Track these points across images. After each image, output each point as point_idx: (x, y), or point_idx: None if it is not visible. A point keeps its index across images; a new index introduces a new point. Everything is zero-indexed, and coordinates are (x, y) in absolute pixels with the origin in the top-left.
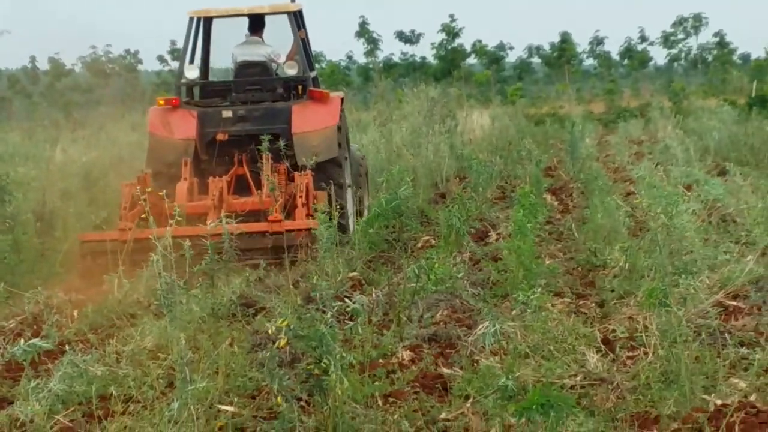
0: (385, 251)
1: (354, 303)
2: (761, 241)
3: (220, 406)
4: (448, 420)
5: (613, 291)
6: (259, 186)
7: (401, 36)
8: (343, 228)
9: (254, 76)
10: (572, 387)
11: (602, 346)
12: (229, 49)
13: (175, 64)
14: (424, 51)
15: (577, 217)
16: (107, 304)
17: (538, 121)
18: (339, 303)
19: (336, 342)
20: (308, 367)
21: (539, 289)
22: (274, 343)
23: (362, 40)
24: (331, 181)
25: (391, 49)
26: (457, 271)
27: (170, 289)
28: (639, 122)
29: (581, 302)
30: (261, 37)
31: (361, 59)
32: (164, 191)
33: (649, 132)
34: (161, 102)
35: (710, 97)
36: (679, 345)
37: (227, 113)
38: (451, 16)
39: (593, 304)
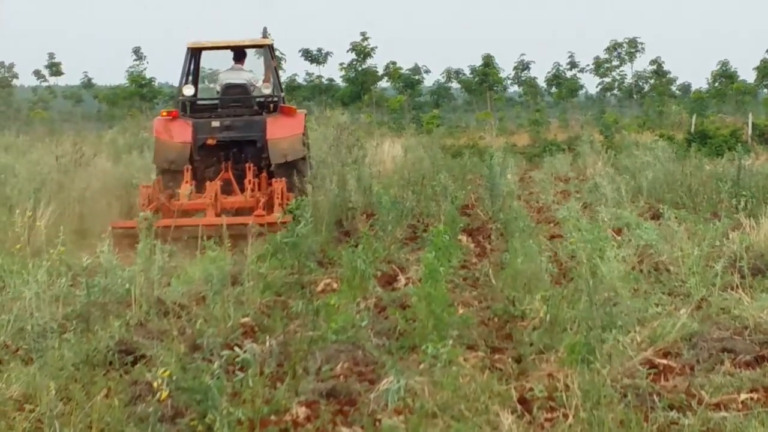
0: (282, 294)
1: (244, 352)
2: (696, 293)
3: None
4: None
5: (531, 345)
6: (241, 186)
7: (307, 54)
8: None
9: (237, 95)
10: None
11: (518, 406)
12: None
13: (53, 79)
14: (332, 72)
15: (495, 261)
16: None
17: (456, 153)
18: (228, 352)
19: (223, 395)
20: (192, 423)
21: (451, 341)
22: (154, 395)
23: (262, 58)
24: (296, 171)
25: (295, 68)
26: (361, 319)
27: (41, 332)
28: (567, 157)
29: (497, 356)
30: (243, 64)
31: None
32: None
33: (578, 168)
34: (164, 114)
35: (646, 130)
36: (603, 407)
37: (216, 123)
38: (363, 34)
39: (510, 359)
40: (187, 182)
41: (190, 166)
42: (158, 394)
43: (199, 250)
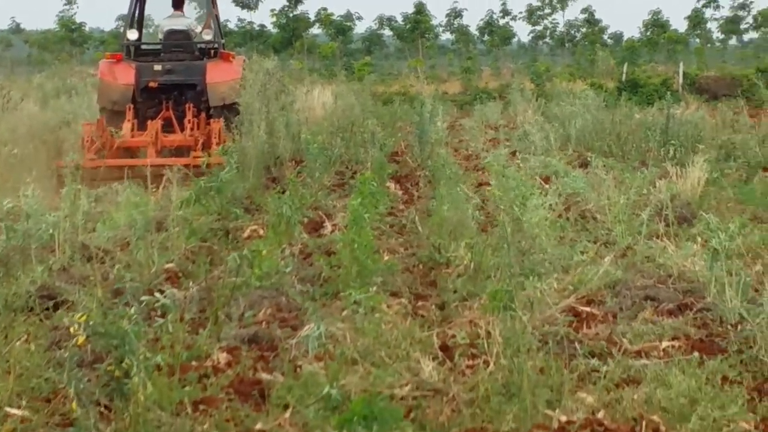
0: (207, 240)
1: (164, 297)
2: (622, 241)
3: (8, 409)
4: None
5: (455, 292)
6: (181, 125)
7: (238, 0)
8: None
9: (179, 41)
10: (403, 398)
11: (440, 353)
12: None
13: None
14: (263, 18)
15: (422, 208)
16: None
17: (387, 101)
18: (147, 297)
19: (141, 341)
20: (109, 369)
21: (374, 288)
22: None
23: (193, 3)
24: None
25: (225, 15)
26: (285, 265)
27: None
28: (497, 105)
29: (420, 303)
30: (182, 11)
31: None
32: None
33: (508, 116)
34: (107, 56)
35: (577, 79)
36: (523, 354)
37: (158, 67)
38: None
39: (433, 306)
40: (128, 120)
41: (132, 105)
42: (75, 339)
43: (124, 190)
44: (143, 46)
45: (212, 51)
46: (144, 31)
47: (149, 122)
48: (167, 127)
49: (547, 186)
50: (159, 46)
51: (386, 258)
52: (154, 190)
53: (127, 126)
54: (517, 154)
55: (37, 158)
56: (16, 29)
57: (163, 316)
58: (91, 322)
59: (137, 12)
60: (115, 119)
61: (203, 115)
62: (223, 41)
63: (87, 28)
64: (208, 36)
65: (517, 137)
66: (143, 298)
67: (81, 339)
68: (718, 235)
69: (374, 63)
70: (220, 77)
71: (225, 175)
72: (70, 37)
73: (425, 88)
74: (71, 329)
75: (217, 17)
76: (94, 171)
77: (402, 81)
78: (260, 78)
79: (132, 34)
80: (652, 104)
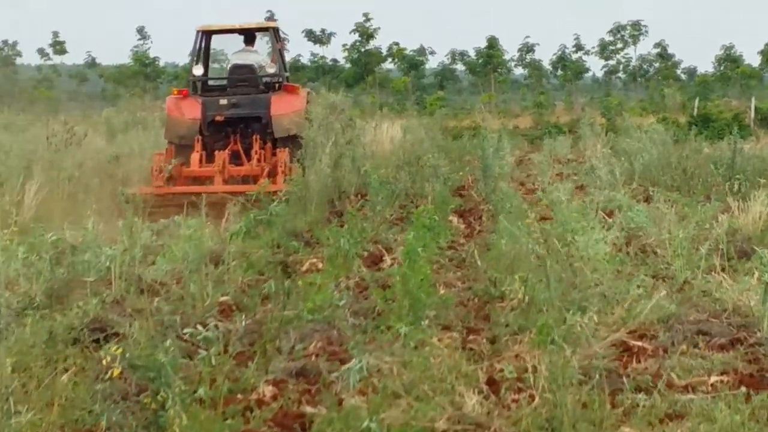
0: (264, 274)
1: (206, 330)
2: (680, 275)
3: None
4: None
5: (507, 326)
6: (248, 157)
7: (310, 35)
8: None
9: (244, 75)
10: None
11: (485, 387)
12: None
13: (57, 58)
14: (336, 53)
15: (482, 242)
16: None
17: (457, 135)
18: (191, 330)
19: (179, 373)
20: (145, 401)
21: (426, 322)
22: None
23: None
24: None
25: (299, 49)
26: (339, 298)
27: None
28: (567, 140)
29: (471, 337)
30: (253, 46)
31: None
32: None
33: (578, 151)
34: (175, 92)
35: (649, 114)
36: (566, 389)
37: (223, 101)
38: (366, 15)
39: (484, 340)
40: (197, 152)
41: (200, 138)
42: (110, 372)
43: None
44: (209, 82)
45: (276, 84)
46: (216, 65)
47: (216, 153)
48: (235, 159)
49: (610, 220)
50: (224, 81)
51: (442, 291)
52: (209, 222)
53: (195, 156)
54: (583, 188)
55: (99, 191)
56: (92, 64)
57: (207, 348)
58: (127, 355)
59: (203, 48)
60: (182, 153)
61: (269, 145)
62: (287, 74)
63: (161, 63)
64: (272, 69)
65: (584, 171)
66: (186, 330)
67: (116, 371)
68: None
69: (447, 98)
70: (284, 109)
71: (275, 207)
72: (144, 71)
73: (491, 122)
74: (103, 362)
75: (281, 51)
76: (160, 198)
77: (473, 116)
78: (322, 111)
79: (197, 70)
80: (722, 139)
